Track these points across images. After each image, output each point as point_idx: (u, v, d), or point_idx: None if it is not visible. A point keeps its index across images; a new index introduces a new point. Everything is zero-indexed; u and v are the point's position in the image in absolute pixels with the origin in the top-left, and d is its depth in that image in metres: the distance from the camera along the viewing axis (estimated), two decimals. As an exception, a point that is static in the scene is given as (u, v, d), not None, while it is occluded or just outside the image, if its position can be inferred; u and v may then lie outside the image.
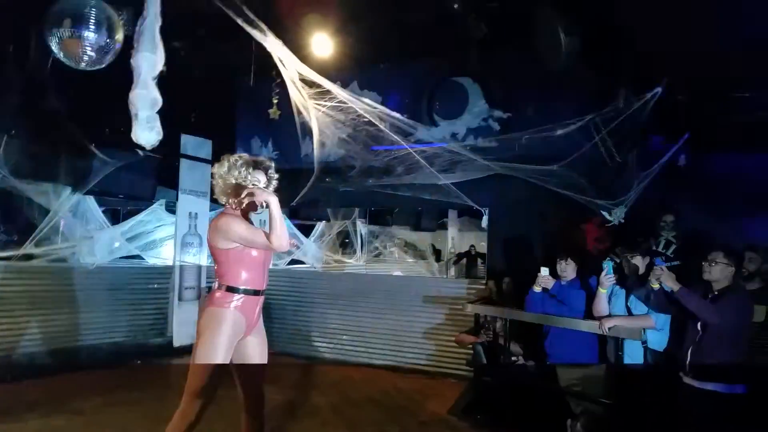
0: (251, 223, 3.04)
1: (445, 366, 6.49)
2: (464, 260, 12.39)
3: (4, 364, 5.65)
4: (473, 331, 5.36)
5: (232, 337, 2.86)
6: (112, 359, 6.46)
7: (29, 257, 6.29)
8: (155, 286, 7.36)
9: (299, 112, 6.11)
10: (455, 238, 14.16)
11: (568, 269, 4.38)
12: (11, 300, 5.93)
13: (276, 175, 3.06)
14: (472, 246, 12.34)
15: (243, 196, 2.80)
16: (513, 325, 4.69)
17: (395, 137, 5.72)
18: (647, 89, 4.82)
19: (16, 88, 5.53)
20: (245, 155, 3.03)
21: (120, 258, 7.63)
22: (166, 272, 7.45)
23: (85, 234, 7.13)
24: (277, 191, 3.06)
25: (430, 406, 5.34)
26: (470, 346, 5.29)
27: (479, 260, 11.56)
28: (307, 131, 6.09)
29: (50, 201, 6.53)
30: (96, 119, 6.45)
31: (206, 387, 2.81)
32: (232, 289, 2.90)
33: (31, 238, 6.27)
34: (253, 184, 2.93)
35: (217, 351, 2.80)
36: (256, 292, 2.97)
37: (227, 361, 2.85)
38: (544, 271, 4.46)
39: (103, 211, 7.71)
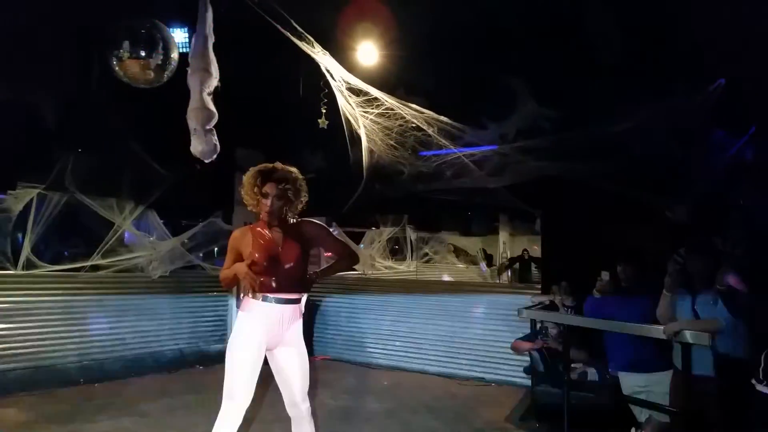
0: (267, 236, 3.04)
1: (501, 373, 6.39)
2: (517, 265, 12.20)
3: (77, 369, 5.95)
4: (529, 337, 5.26)
5: (253, 341, 2.90)
6: (175, 365, 6.68)
7: (97, 268, 6.60)
8: (214, 293, 7.58)
9: (347, 121, 6.20)
10: (507, 242, 13.98)
11: (629, 272, 4.23)
12: (81, 309, 6.23)
13: (288, 186, 3.02)
14: (525, 250, 12.15)
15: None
16: (572, 331, 4.57)
17: (443, 141, 5.71)
18: (709, 82, 4.64)
19: (81, 107, 5.82)
20: (261, 166, 3.07)
21: (181, 268, 7.90)
22: (224, 281, 7.64)
23: (148, 245, 7.42)
24: (287, 200, 3.05)
25: (485, 413, 5.27)
26: (527, 353, 5.20)
27: (533, 265, 11.37)
28: (356, 139, 6.16)
29: (115, 214, 6.84)
30: (156, 136, 6.73)
31: (237, 388, 2.85)
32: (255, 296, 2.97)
33: (98, 250, 6.57)
34: (263, 194, 2.98)
35: (241, 353, 2.88)
36: (274, 300, 2.97)
37: (251, 363, 2.88)
38: (605, 274, 4.33)
39: (164, 224, 8.00)
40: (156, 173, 6.96)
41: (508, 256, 12.92)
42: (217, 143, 4.07)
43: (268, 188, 2.98)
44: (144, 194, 7.04)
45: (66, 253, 7.29)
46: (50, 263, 6.19)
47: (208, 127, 3.98)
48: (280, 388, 3.06)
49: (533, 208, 6.68)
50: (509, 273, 12.16)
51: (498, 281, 11.54)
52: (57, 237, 6.93)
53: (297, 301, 3.06)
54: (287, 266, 2.99)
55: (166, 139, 6.70)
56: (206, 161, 4.05)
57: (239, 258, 3.00)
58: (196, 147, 3.94)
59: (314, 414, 3.12)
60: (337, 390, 5.95)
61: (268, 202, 2.98)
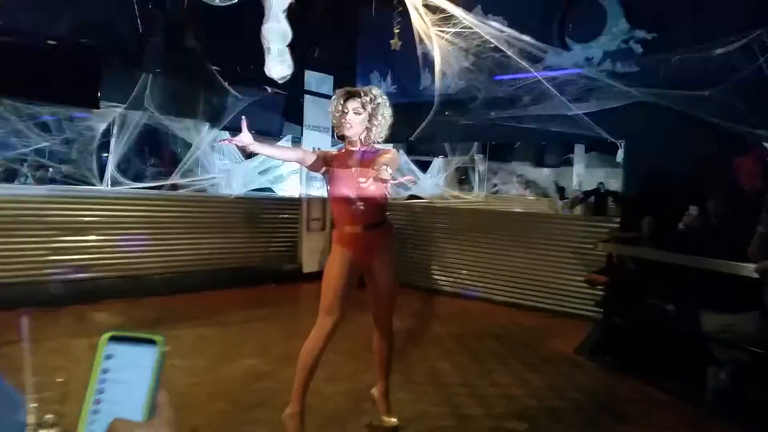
0: (344, 161, 3.04)
1: (570, 306, 6.29)
2: (592, 198, 11.78)
3: (161, 281, 6.33)
4: (605, 270, 5.10)
5: (344, 264, 3.01)
6: (250, 281, 6.98)
7: (176, 187, 6.87)
8: (285, 216, 7.77)
9: (421, 42, 5.95)
10: (581, 174, 13.46)
11: (720, 207, 3.96)
12: (163, 225, 6.54)
13: (367, 100, 2.99)
14: (601, 183, 11.67)
15: None
16: (652, 266, 4.38)
17: (523, 63, 5.42)
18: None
19: (158, 28, 5.86)
20: (345, 89, 3.11)
21: (254, 190, 8.12)
22: (295, 204, 7.82)
23: (222, 167, 7.64)
24: (367, 116, 3.00)
25: (553, 343, 5.24)
26: (601, 286, 5.06)
27: (609, 198, 10.94)
28: (429, 62, 5.94)
29: (191, 136, 7.03)
30: (230, 56, 6.74)
31: (333, 307, 2.98)
32: (333, 224, 3.12)
33: (176, 170, 6.83)
34: (343, 112, 3.00)
35: (332, 275, 3.01)
36: (348, 227, 3.03)
37: (343, 285, 3.00)
38: (693, 209, 4.09)
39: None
40: (229, 95, 7.04)
41: (582, 189, 12.47)
42: (291, 63, 4.01)
43: (349, 104, 3.00)
44: (218, 116, 7.16)
45: (147, 174, 7.61)
46: (133, 180, 6.49)
47: (282, 47, 3.91)
48: (370, 303, 3.19)
49: (615, 138, 6.31)
50: (582, 207, 11.78)
51: (570, 213, 11.20)
52: (139, 156, 7.22)
53: (376, 226, 3.07)
54: (350, 192, 3.01)
55: (240, 60, 6.73)
56: (280, 81, 4.01)
57: (321, 165, 3.07)
58: (271, 66, 3.90)
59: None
60: (403, 313, 6.04)
61: (347, 117, 2.98)
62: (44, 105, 5.66)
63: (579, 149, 12.72)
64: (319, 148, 3.41)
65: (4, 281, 5.21)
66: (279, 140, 8.52)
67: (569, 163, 13.27)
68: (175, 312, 5.56)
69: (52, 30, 5.30)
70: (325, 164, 3.06)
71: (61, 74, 5.18)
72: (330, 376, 3.95)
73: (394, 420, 3.23)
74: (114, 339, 0.62)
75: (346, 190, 2.99)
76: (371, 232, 3.04)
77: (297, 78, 7.52)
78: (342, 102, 3.02)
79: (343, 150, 3.08)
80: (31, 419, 0.74)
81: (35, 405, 0.78)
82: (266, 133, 8.15)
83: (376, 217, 3.06)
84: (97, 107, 5.73)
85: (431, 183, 10.57)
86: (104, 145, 6.43)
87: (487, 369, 4.41)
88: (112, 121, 6.17)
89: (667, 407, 3.82)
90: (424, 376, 4.17)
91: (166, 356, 0.63)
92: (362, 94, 3.02)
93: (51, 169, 6.45)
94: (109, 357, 0.62)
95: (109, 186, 6.21)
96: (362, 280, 3.13)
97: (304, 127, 7.84)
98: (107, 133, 6.24)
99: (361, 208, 3.00)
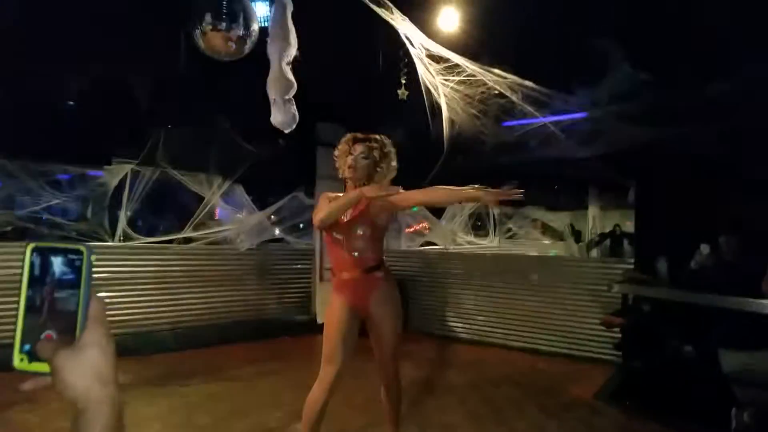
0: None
1: (589, 350, 6.11)
2: (608, 241, 11.64)
3: (170, 336, 6.28)
4: (621, 312, 4.97)
5: (343, 311, 2.97)
6: (262, 334, 6.90)
7: (188, 240, 6.92)
8: (299, 266, 7.75)
9: (428, 91, 6.05)
10: (597, 217, 13.35)
11: (733, 243, 3.88)
12: (174, 279, 6.56)
13: (375, 146, 3.07)
14: (617, 225, 11.56)
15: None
16: (668, 306, 4.27)
17: (528, 108, 5.45)
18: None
19: (171, 83, 6.04)
20: (354, 134, 3.15)
21: (267, 241, 8.14)
22: (308, 254, 7.81)
23: (236, 219, 7.70)
24: (372, 160, 3.07)
25: (573, 389, 5.06)
26: (617, 329, 4.93)
27: (625, 241, 10.80)
28: (436, 109, 6.01)
29: (204, 189, 7.13)
30: (241, 111, 6.90)
31: (334, 356, 2.93)
32: (332, 271, 3.09)
33: (189, 223, 6.89)
34: (350, 154, 3.05)
35: (332, 324, 2.98)
36: (346, 272, 3.02)
37: (343, 333, 2.95)
38: (704, 248, 4.01)
39: (251, 199, 8.25)
40: (242, 149, 7.16)
41: (599, 232, 12.35)
42: (296, 113, 4.08)
43: (355, 148, 3.05)
44: (231, 170, 7.27)
45: (161, 227, 7.70)
46: (145, 236, 6.55)
47: (287, 97, 3.99)
48: (374, 351, 3.12)
49: (626, 179, 6.26)
50: (599, 250, 11.63)
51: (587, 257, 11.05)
52: (150, 211, 7.32)
53: (373, 270, 3.03)
54: (361, 233, 3.00)
55: (251, 114, 6.87)
56: (286, 131, 4.07)
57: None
58: (276, 117, 3.97)
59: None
60: (418, 361, 5.93)
61: (352, 159, 3.02)
62: (55, 164, 5.80)
63: (593, 192, 12.69)
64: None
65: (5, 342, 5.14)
66: (291, 193, 8.58)
67: (585, 206, 13.22)
68: (183, 368, 5.48)
69: (62, 89, 5.49)
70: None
71: (71, 132, 5.32)
72: (341, 429, 3.85)
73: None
74: (39, 250, 0.59)
75: (342, 234, 2.97)
76: (369, 276, 3.00)
77: (309, 130, 7.67)
78: (350, 145, 3.06)
79: (342, 195, 3.07)
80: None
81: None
82: (281, 184, 8.25)
83: (374, 260, 3.03)
84: (109, 164, 5.87)
85: (445, 229, 10.53)
86: (117, 201, 6.53)
87: (504, 417, 4.26)
88: (124, 176, 6.30)
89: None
90: (438, 428, 4.03)
91: (92, 265, 0.59)
92: (371, 140, 3.06)
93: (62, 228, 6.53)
94: (35, 268, 0.59)
95: (120, 241, 6.27)
96: (364, 329, 3.09)
97: (317, 177, 7.93)
98: (119, 189, 6.35)
99: (356, 253, 2.98)
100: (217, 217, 7.54)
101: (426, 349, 6.60)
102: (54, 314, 0.59)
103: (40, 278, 0.59)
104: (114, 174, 6.22)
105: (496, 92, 5.59)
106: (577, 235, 12.63)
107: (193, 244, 6.92)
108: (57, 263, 0.60)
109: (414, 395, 4.70)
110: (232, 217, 7.66)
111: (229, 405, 4.49)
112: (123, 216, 6.31)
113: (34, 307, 0.59)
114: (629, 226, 9.84)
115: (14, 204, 6.21)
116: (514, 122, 6.47)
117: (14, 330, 0.58)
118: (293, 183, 8.48)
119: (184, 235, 6.84)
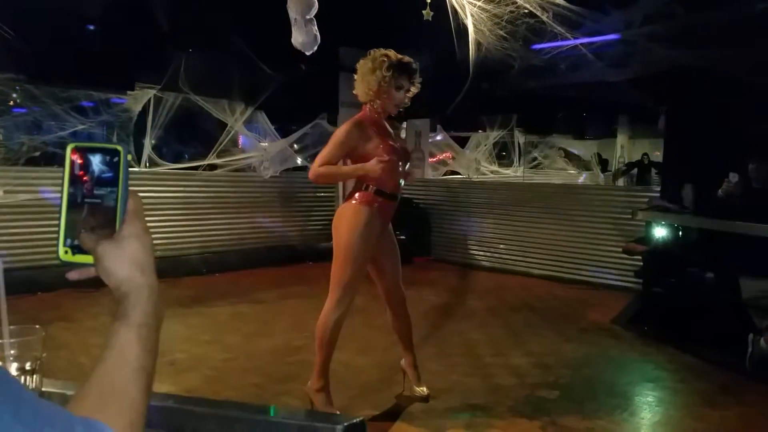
0: (386, 131, 2.97)
1: (609, 277, 6.15)
2: (635, 170, 11.42)
3: (199, 260, 6.48)
4: (643, 239, 4.95)
5: (373, 235, 2.89)
6: (286, 259, 7.07)
7: (213, 167, 6.99)
8: (321, 194, 7.81)
9: (454, 11, 5.82)
10: (625, 146, 13.03)
11: (763, 171, 3.78)
12: (201, 205, 6.68)
13: (419, 79, 2.94)
14: (645, 155, 11.29)
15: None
16: (690, 233, 4.23)
17: (559, 29, 5.22)
18: None
19: (192, 5, 5.88)
20: (391, 54, 2.91)
21: (290, 169, 8.17)
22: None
23: (259, 147, 7.72)
24: (417, 97, 2.98)
25: (591, 314, 5.13)
26: (639, 256, 4.92)
27: (653, 170, 10.58)
28: (462, 31, 5.80)
29: (227, 116, 7.11)
30: (263, 35, 6.74)
31: (357, 279, 2.91)
32: (377, 192, 2.89)
33: (213, 150, 6.93)
34: (397, 88, 2.87)
35: (360, 246, 2.84)
36: (393, 198, 2.97)
37: (367, 253, 2.89)
38: (733, 176, 3.92)
39: (274, 126, 8.22)
40: (264, 74, 7.05)
41: (626, 161, 12.10)
42: (318, 34, 3.97)
43: (406, 81, 2.87)
44: (253, 96, 7.19)
45: (186, 156, 7.76)
46: (171, 162, 6.62)
47: (308, 17, 3.88)
48: (377, 278, 3.10)
49: (657, 104, 6.05)
50: (626, 179, 11.44)
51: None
52: (174, 137, 7.36)
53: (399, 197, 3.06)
54: (403, 162, 2.99)
55: (273, 38, 6.72)
56: (307, 53, 3.98)
57: (345, 153, 2.88)
58: (297, 38, 3.87)
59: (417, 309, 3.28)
60: (439, 288, 6.04)
61: (402, 96, 2.88)
62: (79, 88, 5.80)
63: (622, 119, 12.33)
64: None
65: (44, 264, 5.27)
66: (314, 121, 8.51)
67: (613, 134, 12.89)
68: (212, 290, 5.69)
69: (84, 13, 5.41)
70: (359, 137, 2.86)
71: (95, 57, 5.28)
72: (362, 349, 3.99)
73: (424, 390, 3.22)
74: (78, 149, 0.63)
75: (398, 158, 2.92)
76: (395, 204, 3.02)
77: (331, 55, 7.49)
78: (397, 75, 2.85)
79: (375, 117, 2.93)
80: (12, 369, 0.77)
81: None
82: (302, 111, 8.17)
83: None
84: (132, 89, 5.85)
85: (469, 158, 10.44)
86: (141, 128, 6.56)
87: (522, 340, 4.36)
88: (147, 102, 6.30)
89: (704, 374, 3.72)
90: (457, 348, 4.16)
91: (129, 164, 0.63)
92: (414, 74, 2.91)
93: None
94: (76, 166, 0.62)
95: (147, 167, 6.36)
96: None
97: (340, 104, 7.82)
98: (143, 115, 6.37)
99: (402, 181, 2.99)
100: (240, 145, 7.56)
101: (447, 276, 6.71)
102: (94, 210, 0.62)
103: (79, 176, 0.62)
104: (137, 100, 6.22)
105: (526, 11, 5.35)
106: (604, 165, 12.41)
107: (217, 171, 6.99)
108: (95, 162, 0.62)
109: (434, 319, 4.82)
110: (254, 144, 7.68)
111: (255, 325, 4.68)
112: (148, 142, 6.36)
113: (75, 203, 0.62)
114: (658, 157, 9.61)
115: (41, 130, 6.29)
116: (544, 45, 6.23)
117: (58, 225, 0.61)
118: (316, 110, 8.39)
119: (209, 162, 6.89)
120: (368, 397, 3.31)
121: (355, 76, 2.98)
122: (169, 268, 6.04)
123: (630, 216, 5.26)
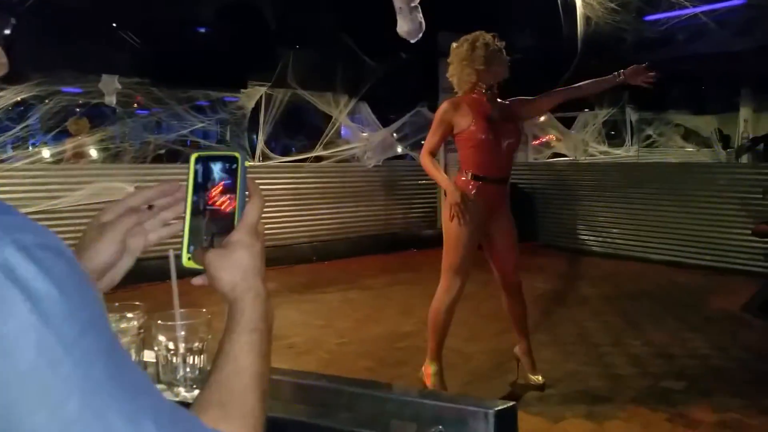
0: (490, 112, 2.90)
1: (735, 261, 5.69)
2: (761, 146, 10.43)
3: (309, 249, 6.74)
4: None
5: (478, 219, 2.88)
6: (391, 247, 7.18)
7: (319, 159, 7.23)
8: (423, 182, 7.84)
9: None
10: (749, 120, 11.93)
11: None
12: (309, 195, 6.94)
13: (507, 58, 2.93)
14: (774, 127, 10.28)
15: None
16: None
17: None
18: None
19: (296, 4, 6.10)
20: (485, 36, 2.93)
21: (393, 158, 8.27)
22: (446, 169, 7.84)
23: (361, 137, 7.87)
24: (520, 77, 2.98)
25: (717, 302, 4.78)
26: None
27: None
28: (570, 5, 5.57)
29: (332, 108, 7.31)
30: (365, 27, 6.84)
31: (465, 264, 2.92)
32: (474, 177, 2.89)
33: (319, 142, 7.16)
34: (486, 65, 2.86)
35: (465, 231, 2.85)
36: (495, 180, 2.92)
37: (474, 243, 2.91)
38: None
39: (377, 116, 8.34)
40: (365, 65, 7.18)
41: (751, 136, 11.08)
42: (423, 21, 3.97)
43: (492, 56, 2.87)
44: (356, 87, 7.34)
45: (293, 149, 8.07)
46: (280, 155, 6.93)
47: (413, 5, 3.89)
48: (491, 262, 3.09)
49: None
50: (750, 156, 10.48)
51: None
52: (284, 131, 7.68)
53: (508, 180, 3.02)
54: (507, 143, 2.94)
55: (375, 30, 6.81)
56: (412, 41, 3.99)
57: (445, 133, 2.94)
58: (402, 26, 3.89)
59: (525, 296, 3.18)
60: (548, 274, 5.88)
61: (502, 70, 2.89)
62: (197, 89, 6.21)
63: (746, 91, 11.29)
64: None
65: (152, 256, 5.64)
66: (414, 109, 8.51)
67: (735, 107, 11.84)
68: (322, 277, 5.91)
69: (199, 18, 5.76)
70: (453, 114, 2.90)
71: (210, 59, 5.62)
72: (472, 336, 3.98)
73: (539, 378, 3.16)
74: (201, 159, 0.66)
75: (501, 138, 2.91)
76: (505, 187, 2.98)
77: (430, 42, 7.45)
78: (497, 50, 2.88)
79: (473, 96, 2.92)
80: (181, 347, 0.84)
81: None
82: (404, 100, 8.22)
83: (510, 170, 3.00)
84: (245, 87, 6.17)
85: (576, 139, 10.00)
86: (254, 123, 6.90)
87: (641, 329, 4.15)
88: (258, 99, 6.62)
89: None
90: (571, 336, 4.04)
91: (246, 170, 0.66)
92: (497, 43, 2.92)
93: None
94: (199, 175, 0.66)
95: (260, 161, 6.69)
96: None
97: (440, 92, 7.78)
98: (255, 111, 6.70)
99: (505, 159, 2.96)
100: (342, 136, 7.76)
101: (557, 262, 6.51)
102: (214, 216, 0.65)
103: (202, 184, 0.65)
104: (250, 97, 6.56)
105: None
106: (726, 141, 11.43)
107: (323, 162, 7.22)
108: (216, 170, 0.65)
109: (545, 306, 4.71)
110: (356, 135, 7.84)
111: (365, 311, 4.81)
112: (261, 137, 6.69)
113: (198, 210, 0.65)
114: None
115: (163, 129, 6.80)
116: (659, 15, 5.85)
117: (182, 232, 0.65)
118: (416, 98, 8.40)
119: (316, 154, 7.13)
120: (481, 383, 3.31)
121: (450, 63, 3.03)
122: (282, 257, 6.36)
123: (760, 195, 4.84)
